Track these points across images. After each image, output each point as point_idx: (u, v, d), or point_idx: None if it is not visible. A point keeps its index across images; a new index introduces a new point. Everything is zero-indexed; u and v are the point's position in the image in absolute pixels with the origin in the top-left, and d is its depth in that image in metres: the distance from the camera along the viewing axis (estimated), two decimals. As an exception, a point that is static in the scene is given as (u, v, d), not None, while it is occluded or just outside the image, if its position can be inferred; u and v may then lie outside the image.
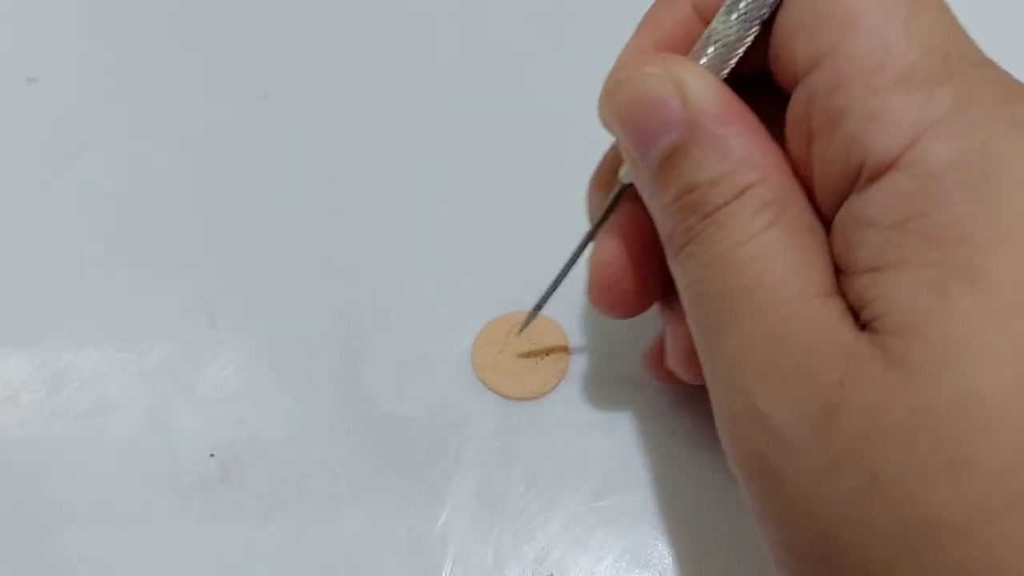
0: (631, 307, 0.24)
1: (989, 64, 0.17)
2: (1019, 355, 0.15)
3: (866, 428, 0.16)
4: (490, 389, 0.28)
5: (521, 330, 0.28)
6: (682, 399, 0.27)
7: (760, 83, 0.20)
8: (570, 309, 0.29)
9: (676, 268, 0.20)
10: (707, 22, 0.20)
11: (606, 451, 0.27)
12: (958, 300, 0.15)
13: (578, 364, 0.28)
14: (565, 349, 0.28)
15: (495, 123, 0.34)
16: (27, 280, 0.31)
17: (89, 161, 0.34)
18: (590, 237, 0.24)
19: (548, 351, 0.28)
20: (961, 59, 0.17)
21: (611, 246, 0.23)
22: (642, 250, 0.23)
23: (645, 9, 0.22)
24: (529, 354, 0.28)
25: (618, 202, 0.23)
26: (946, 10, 0.18)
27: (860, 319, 0.17)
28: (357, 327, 0.29)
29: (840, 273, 0.18)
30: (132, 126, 0.35)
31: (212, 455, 0.27)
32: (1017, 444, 0.15)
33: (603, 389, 0.28)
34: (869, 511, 0.16)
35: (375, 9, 0.38)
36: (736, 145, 0.18)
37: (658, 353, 0.25)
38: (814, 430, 0.16)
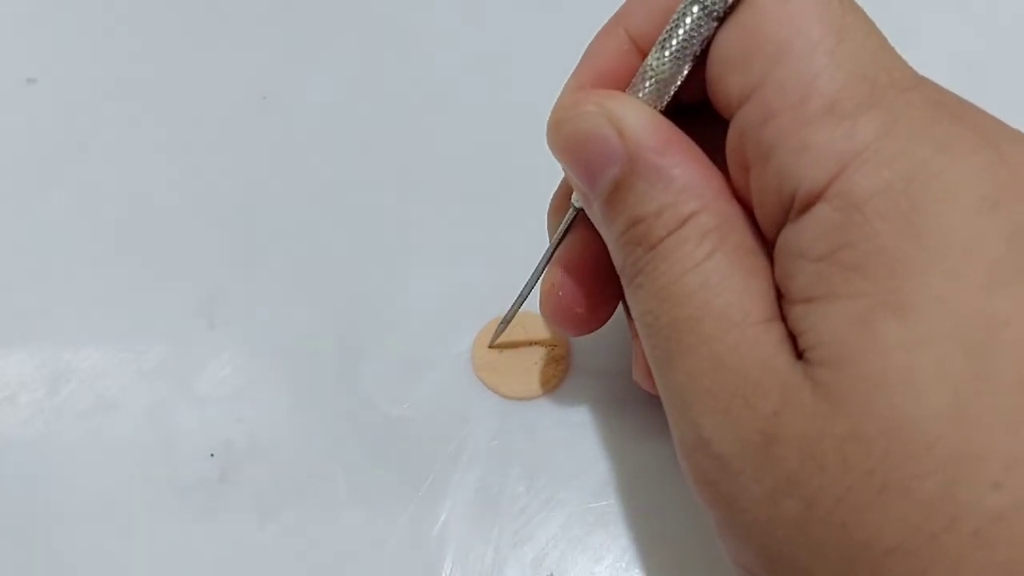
0: (583, 326, 0.24)
1: (920, 85, 0.17)
2: (944, 383, 0.15)
3: (801, 457, 0.16)
4: (490, 389, 0.28)
5: (492, 343, 0.28)
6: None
7: (705, 108, 0.20)
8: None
9: (629, 299, 0.20)
10: (645, 54, 0.20)
11: (605, 451, 0.27)
12: (883, 331, 0.15)
13: (578, 364, 0.28)
14: (564, 348, 0.28)
15: (496, 123, 0.34)
16: (27, 280, 0.31)
17: (89, 161, 0.34)
18: (547, 259, 0.25)
19: (547, 349, 0.28)
20: (890, 84, 0.17)
21: (558, 271, 0.24)
22: (590, 273, 0.24)
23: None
24: (528, 347, 0.28)
25: (572, 226, 0.23)
26: (874, 34, 0.17)
27: (797, 346, 0.17)
28: (357, 327, 0.29)
29: (781, 297, 0.18)
30: (132, 126, 0.35)
31: (212, 455, 0.27)
32: (945, 469, 0.15)
33: (602, 389, 0.28)
34: (811, 536, 0.16)
35: (375, 9, 0.38)
36: (677, 175, 0.19)
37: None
38: (755, 459, 0.17)
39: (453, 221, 0.32)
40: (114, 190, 0.33)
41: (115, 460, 0.27)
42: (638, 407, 0.27)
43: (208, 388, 0.28)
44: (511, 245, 0.30)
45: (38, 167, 0.33)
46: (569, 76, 0.22)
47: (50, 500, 0.26)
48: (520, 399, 0.28)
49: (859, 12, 0.18)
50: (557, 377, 0.28)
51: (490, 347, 0.28)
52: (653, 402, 0.27)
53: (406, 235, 0.31)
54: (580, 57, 0.22)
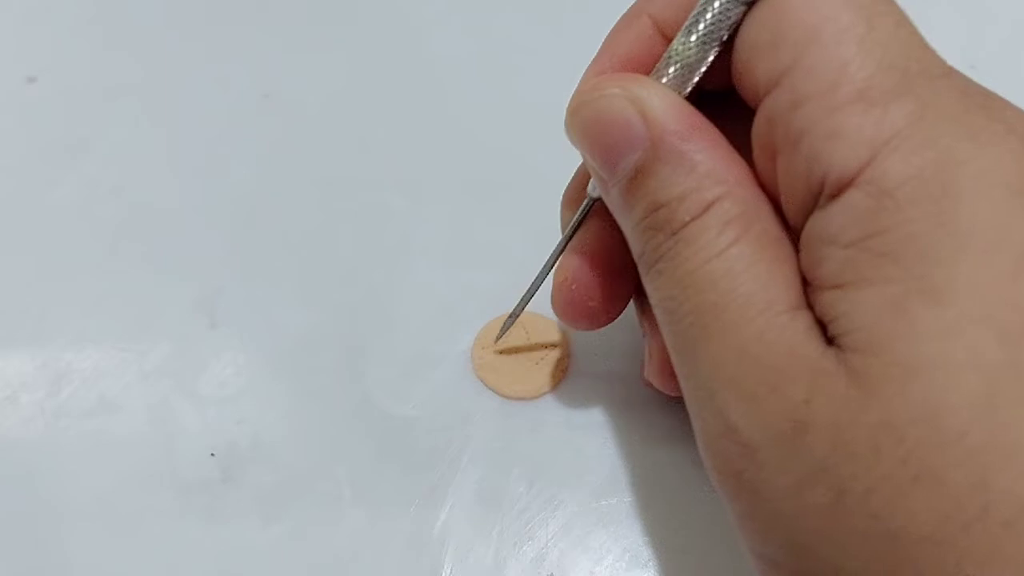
0: (595, 320, 0.24)
1: (949, 74, 0.17)
2: (978, 370, 0.15)
3: (833, 445, 0.16)
4: (490, 389, 0.28)
5: (498, 339, 0.28)
6: (682, 399, 0.27)
7: (729, 97, 0.20)
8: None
9: (648, 286, 0.20)
10: (669, 40, 0.20)
11: (606, 451, 0.27)
12: (917, 317, 0.15)
13: (578, 364, 0.28)
14: (565, 348, 0.29)
15: (498, 122, 0.34)
16: (27, 280, 0.31)
17: (89, 161, 0.34)
18: (560, 251, 0.24)
19: (548, 349, 0.28)
20: (919, 72, 0.17)
21: (572, 263, 0.24)
22: (605, 266, 0.23)
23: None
24: (529, 347, 0.28)
25: (587, 216, 0.23)
26: (905, 22, 0.17)
27: (827, 333, 0.17)
28: (357, 327, 0.29)
29: (807, 286, 0.18)
30: (132, 125, 0.35)
31: (213, 455, 0.27)
32: (979, 458, 0.15)
33: (603, 389, 0.28)
34: (840, 526, 0.16)
35: (375, 8, 0.38)
36: (700, 160, 0.19)
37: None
38: (784, 448, 0.17)
39: (454, 221, 0.32)
40: (114, 190, 0.33)
41: (116, 460, 0.27)
42: (639, 407, 0.27)
43: (210, 388, 0.28)
44: (513, 245, 0.30)
45: (38, 167, 0.33)
46: (590, 62, 0.22)
47: (50, 500, 0.26)
48: (521, 399, 0.28)
49: (890, 1, 0.18)
50: (557, 377, 0.28)
51: (496, 345, 0.28)
52: (654, 402, 0.27)
53: (407, 235, 0.31)
54: (601, 44, 0.22)
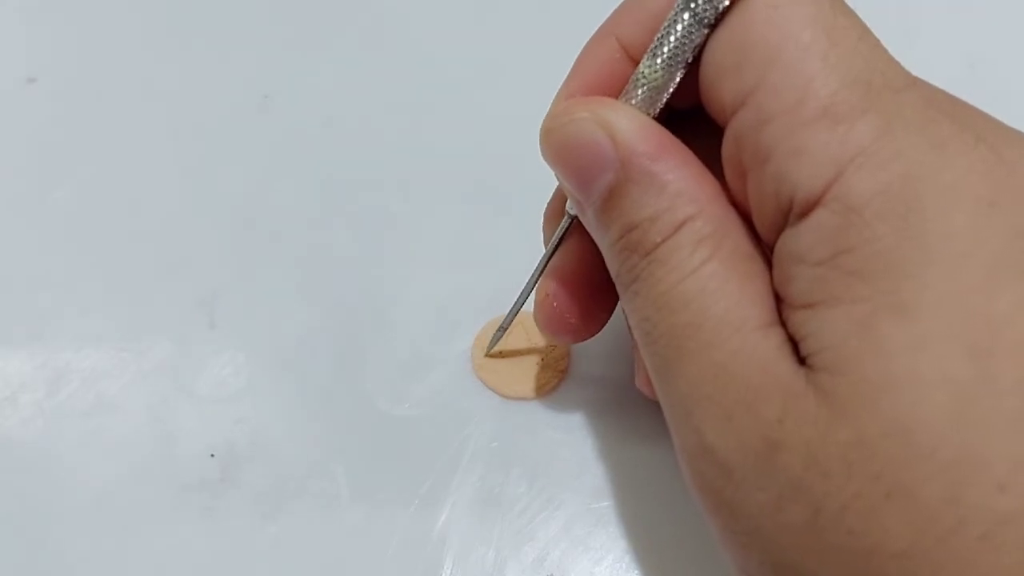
0: (577, 334, 0.24)
1: (912, 86, 0.17)
2: (947, 385, 0.15)
3: (805, 464, 0.16)
4: (490, 389, 0.28)
5: (488, 351, 0.28)
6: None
7: (699, 114, 0.20)
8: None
9: (626, 307, 0.20)
10: (637, 62, 0.20)
11: (606, 451, 0.27)
12: (884, 335, 0.15)
13: (578, 364, 0.28)
14: (564, 348, 0.28)
15: (497, 122, 0.34)
16: (27, 280, 0.31)
17: (89, 161, 0.34)
18: (542, 268, 0.24)
19: (547, 350, 0.28)
20: (884, 85, 0.17)
21: (552, 281, 0.24)
22: (584, 283, 0.24)
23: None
24: (528, 348, 0.28)
25: (566, 234, 0.23)
26: (867, 36, 0.17)
27: (799, 352, 0.17)
28: (356, 327, 0.29)
29: (780, 302, 0.18)
30: (132, 126, 0.35)
31: (212, 455, 0.27)
32: (951, 473, 0.15)
33: (603, 389, 0.28)
34: (817, 542, 0.16)
35: (375, 9, 0.38)
36: (671, 180, 0.19)
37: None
38: (759, 466, 0.17)
39: (453, 221, 0.32)
40: (114, 190, 0.33)
41: (115, 460, 0.27)
42: (639, 407, 0.27)
43: (209, 388, 0.28)
44: (511, 246, 0.30)
45: (38, 167, 0.33)
46: (560, 85, 0.22)
47: (50, 500, 0.26)
48: (520, 399, 0.28)
49: (851, 15, 0.18)
50: (557, 378, 0.28)
51: (487, 356, 0.28)
52: (654, 403, 0.27)
53: (406, 235, 0.31)
54: (572, 64, 0.22)
